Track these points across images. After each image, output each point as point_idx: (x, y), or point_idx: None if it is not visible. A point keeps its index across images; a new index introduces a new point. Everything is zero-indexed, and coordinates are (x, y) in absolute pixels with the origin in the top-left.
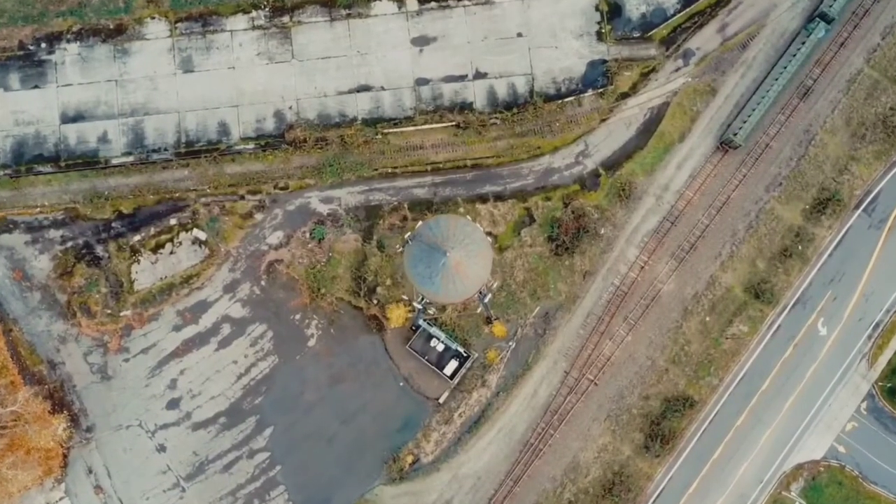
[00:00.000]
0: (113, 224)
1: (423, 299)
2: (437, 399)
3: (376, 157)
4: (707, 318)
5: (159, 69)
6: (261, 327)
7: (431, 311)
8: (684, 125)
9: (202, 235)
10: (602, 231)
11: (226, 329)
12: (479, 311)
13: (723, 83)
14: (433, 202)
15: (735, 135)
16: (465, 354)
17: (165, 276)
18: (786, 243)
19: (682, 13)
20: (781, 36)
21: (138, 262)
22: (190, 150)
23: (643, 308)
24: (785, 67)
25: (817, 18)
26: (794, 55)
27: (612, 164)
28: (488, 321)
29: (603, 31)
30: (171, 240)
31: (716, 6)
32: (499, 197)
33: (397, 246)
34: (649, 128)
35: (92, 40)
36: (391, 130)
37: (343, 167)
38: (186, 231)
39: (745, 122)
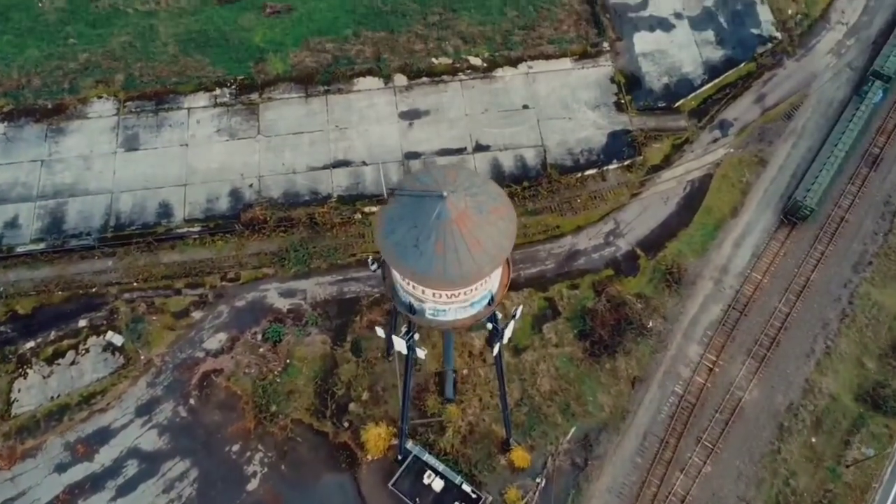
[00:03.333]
0: (1, 328)
1: (399, 327)
2: None
3: (354, 240)
4: (813, 439)
5: (97, 148)
6: (182, 464)
7: (421, 354)
8: (734, 198)
9: (118, 340)
10: (650, 324)
11: (131, 468)
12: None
13: (772, 153)
14: None
15: (803, 200)
16: (473, 496)
17: (59, 395)
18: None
19: (709, 84)
20: (830, 105)
21: (25, 376)
22: (119, 236)
23: (722, 425)
24: (843, 133)
25: (871, 78)
26: (851, 120)
27: (651, 245)
28: (505, 447)
29: (622, 101)
30: (76, 346)
31: (747, 78)
32: (511, 285)
33: (377, 330)
34: (692, 203)
35: (24, 120)
36: (374, 210)
37: (311, 253)
38: (98, 335)
39: (809, 189)
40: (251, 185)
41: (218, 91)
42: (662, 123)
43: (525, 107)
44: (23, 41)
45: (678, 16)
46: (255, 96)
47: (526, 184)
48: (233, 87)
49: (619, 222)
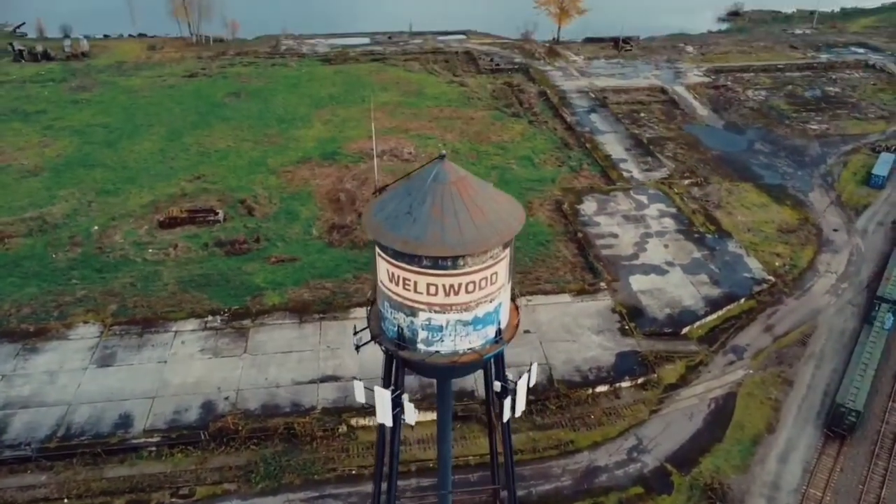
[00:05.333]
0: None
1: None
2: None
3: (336, 454)
4: None
5: (67, 364)
6: None
7: (411, 416)
8: (766, 415)
9: None
10: None
11: None
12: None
13: (796, 374)
14: None
15: (846, 403)
16: None
17: None
18: None
19: (713, 316)
20: (842, 333)
21: None
22: (64, 447)
23: None
24: (867, 353)
25: (877, 302)
26: (868, 343)
27: (683, 461)
28: None
29: (627, 327)
30: None
31: (750, 312)
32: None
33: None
34: (720, 419)
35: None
36: (364, 423)
37: (284, 466)
38: None
39: (844, 409)
40: (227, 398)
41: (210, 318)
42: (672, 347)
43: (526, 331)
44: (26, 282)
45: (670, 264)
46: (246, 322)
47: (532, 397)
48: (226, 315)
49: (641, 438)
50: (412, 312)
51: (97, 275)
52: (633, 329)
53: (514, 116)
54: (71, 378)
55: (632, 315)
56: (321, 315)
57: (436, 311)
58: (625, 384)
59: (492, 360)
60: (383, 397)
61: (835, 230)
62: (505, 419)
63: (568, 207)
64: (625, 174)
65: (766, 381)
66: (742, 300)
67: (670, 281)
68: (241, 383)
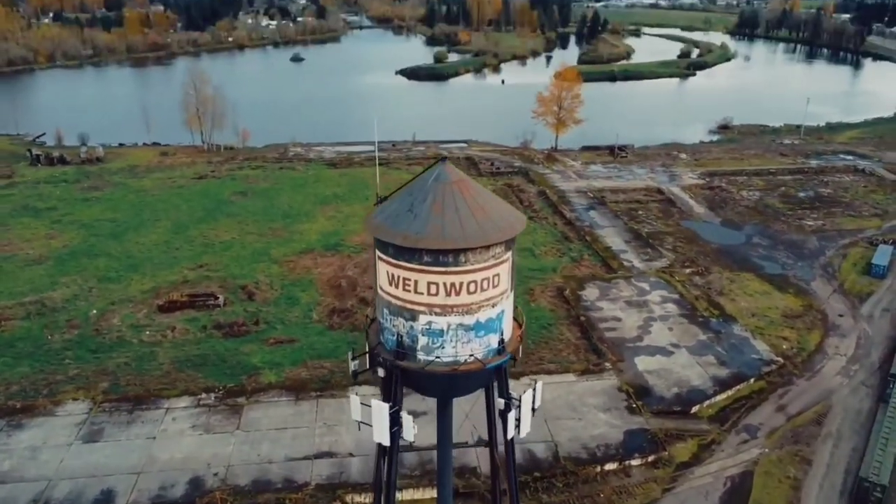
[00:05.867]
0: None
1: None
2: None
3: None
4: None
5: (52, 440)
6: None
7: (410, 432)
8: (786, 493)
9: None
10: None
11: None
12: None
13: (814, 453)
14: None
15: (870, 478)
16: None
17: None
18: None
19: (722, 395)
20: (858, 413)
21: None
22: None
23: None
24: (886, 432)
25: (892, 380)
26: (887, 424)
27: None
28: None
29: (634, 406)
30: None
31: (760, 392)
32: None
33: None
34: (737, 497)
35: None
36: (359, 500)
37: None
38: None
39: (868, 483)
40: (216, 474)
41: (203, 395)
42: (682, 425)
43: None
44: (18, 362)
45: (675, 346)
46: (241, 399)
47: (538, 474)
48: (220, 392)
49: None
50: (412, 316)
51: (91, 355)
52: (641, 407)
53: None
54: (54, 453)
55: (639, 394)
56: (318, 393)
57: (436, 314)
58: (635, 462)
59: (493, 381)
60: (381, 411)
61: (840, 315)
62: (509, 436)
63: (570, 294)
64: (625, 263)
65: (783, 459)
66: (752, 380)
67: (677, 361)
68: (233, 459)
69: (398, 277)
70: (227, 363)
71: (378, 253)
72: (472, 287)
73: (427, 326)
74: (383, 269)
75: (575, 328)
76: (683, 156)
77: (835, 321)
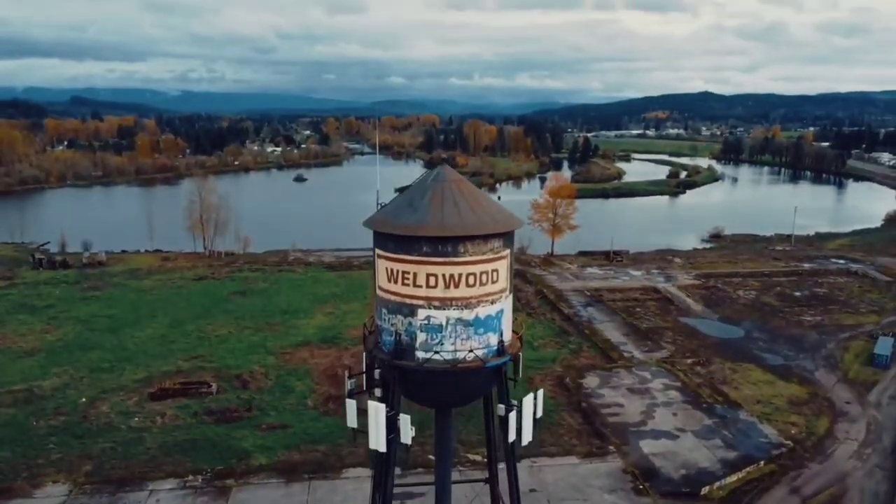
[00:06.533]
0: None
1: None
2: None
3: None
4: None
5: None
6: None
7: (407, 435)
8: None
9: None
10: None
11: None
12: None
13: None
14: None
15: None
16: None
17: None
18: None
19: (733, 478)
20: (876, 496)
21: None
22: None
23: None
24: None
25: None
26: None
27: None
28: None
29: (641, 487)
30: None
31: (771, 475)
32: None
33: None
34: None
35: None
36: None
37: None
38: None
39: None
40: None
41: (190, 477)
42: None
43: (532, 490)
44: None
45: (681, 430)
46: (229, 481)
47: None
48: (208, 474)
49: None
50: (411, 311)
51: (76, 440)
52: (648, 489)
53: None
54: None
55: (645, 476)
56: (310, 475)
57: (435, 307)
58: None
59: (493, 387)
60: (378, 413)
61: (847, 402)
62: (510, 439)
63: (570, 382)
64: (625, 354)
65: None
66: (762, 463)
67: (683, 445)
68: None
69: (397, 272)
70: (217, 448)
71: (378, 251)
72: (470, 279)
73: (426, 321)
74: (382, 267)
75: (577, 414)
76: (678, 260)
77: (842, 408)
